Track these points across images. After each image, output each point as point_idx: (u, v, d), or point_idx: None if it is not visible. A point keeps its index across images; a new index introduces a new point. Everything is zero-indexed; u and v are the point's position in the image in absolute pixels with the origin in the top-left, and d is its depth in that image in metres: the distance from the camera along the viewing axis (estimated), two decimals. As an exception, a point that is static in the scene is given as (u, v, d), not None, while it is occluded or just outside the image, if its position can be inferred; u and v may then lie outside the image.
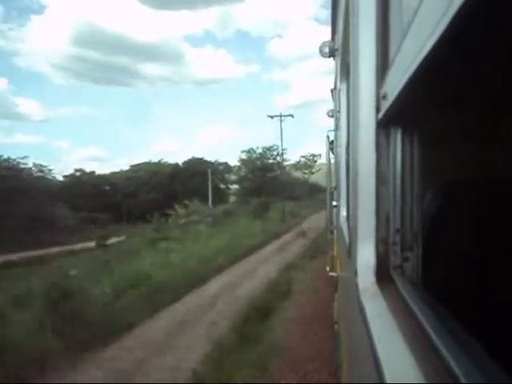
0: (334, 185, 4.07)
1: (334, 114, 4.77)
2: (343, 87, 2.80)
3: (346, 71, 2.34)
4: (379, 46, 0.89)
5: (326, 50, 3.35)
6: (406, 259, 0.88)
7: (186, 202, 30.38)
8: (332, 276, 3.87)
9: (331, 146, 4.36)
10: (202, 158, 53.78)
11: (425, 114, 0.95)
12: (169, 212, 29.25)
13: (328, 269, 3.87)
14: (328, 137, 4.15)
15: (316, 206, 36.54)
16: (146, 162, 55.91)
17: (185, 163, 51.94)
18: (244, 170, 54.37)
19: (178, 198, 35.51)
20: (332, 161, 4.35)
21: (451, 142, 1.35)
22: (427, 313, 0.65)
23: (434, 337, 0.56)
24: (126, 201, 49.32)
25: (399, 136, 0.86)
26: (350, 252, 1.23)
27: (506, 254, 0.95)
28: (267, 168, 51.84)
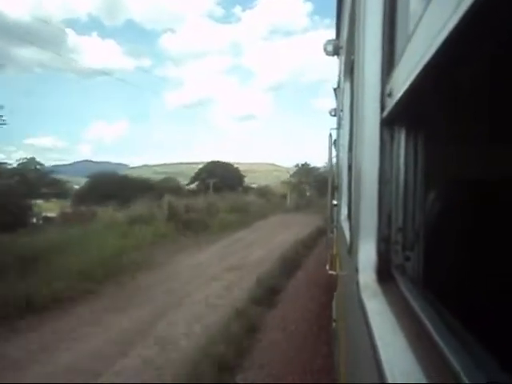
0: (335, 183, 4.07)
1: (336, 112, 4.75)
2: (347, 85, 2.79)
3: (350, 69, 2.33)
4: (386, 43, 0.89)
5: (330, 48, 3.34)
6: (407, 258, 0.88)
7: None
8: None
9: (334, 144, 4.35)
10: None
11: (430, 113, 0.95)
12: None
13: (328, 267, 3.87)
14: (331, 135, 4.14)
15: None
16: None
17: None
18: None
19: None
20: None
21: (455, 142, 1.34)
22: (428, 311, 0.65)
23: (434, 335, 0.57)
24: None
25: (403, 134, 0.86)
26: (351, 250, 1.23)
27: (508, 254, 0.94)
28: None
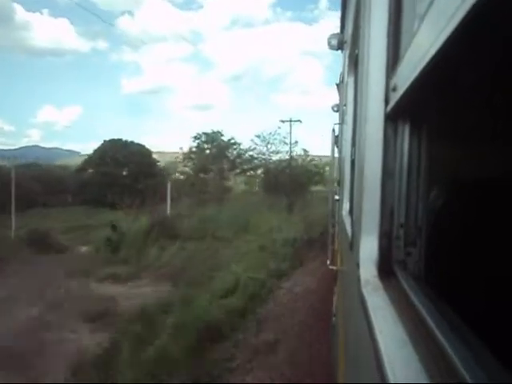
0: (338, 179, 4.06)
1: (339, 108, 4.73)
2: (351, 80, 2.78)
3: (354, 64, 2.32)
4: (391, 38, 0.88)
5: (335, 42, 3.32)
6: (408, 254, 0.88)
7: None
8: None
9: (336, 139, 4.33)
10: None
11: (434, 109, 0.94)
12: None
13: (328, 262, 3.88)
14: (334, 130, 4.12)
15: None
16: None
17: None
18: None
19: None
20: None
21: (460, 138, 1.34)
22: (429, 307, 0.65)
23: (435, 330, 0.57)
24: None
25: (407, 129, 0.86)
26: (353, 245, 1.23)
27: (508, 252, 0.94)
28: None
